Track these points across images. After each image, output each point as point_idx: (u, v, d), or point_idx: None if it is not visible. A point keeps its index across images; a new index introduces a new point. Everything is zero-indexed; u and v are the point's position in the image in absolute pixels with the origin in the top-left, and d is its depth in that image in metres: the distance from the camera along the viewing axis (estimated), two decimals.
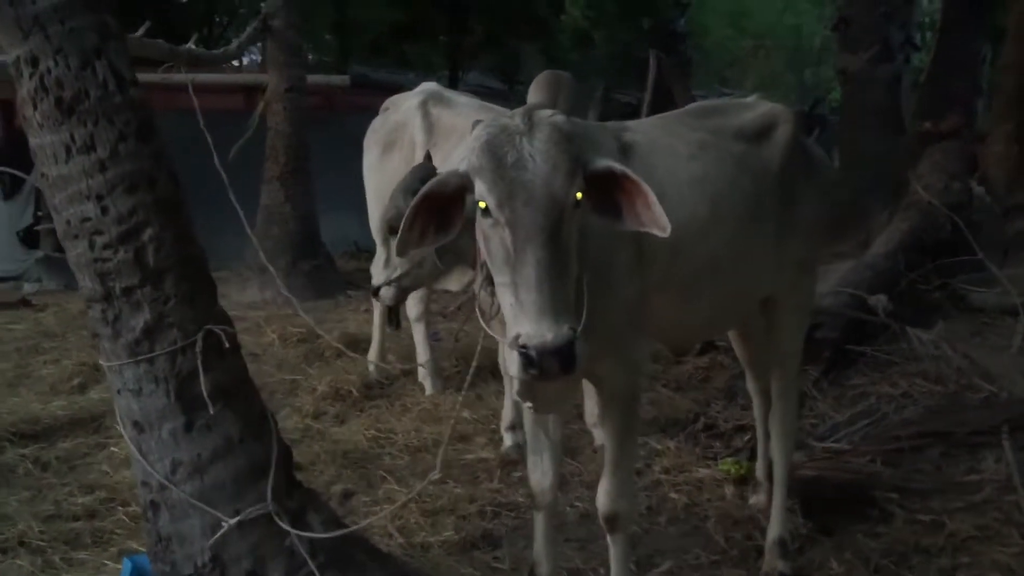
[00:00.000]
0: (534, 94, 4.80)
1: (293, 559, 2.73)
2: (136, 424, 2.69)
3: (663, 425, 4.88)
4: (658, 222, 2.19)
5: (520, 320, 2.04)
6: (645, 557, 3.54)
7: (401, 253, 2.23)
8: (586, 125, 2.80)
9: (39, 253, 9.91)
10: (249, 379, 2.87)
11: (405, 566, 3.10)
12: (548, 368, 2.01)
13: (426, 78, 13.13)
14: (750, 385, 3.84)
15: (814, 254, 3.32)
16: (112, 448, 4.68)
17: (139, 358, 2.62)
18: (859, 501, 3.82)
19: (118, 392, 2.70)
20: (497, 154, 2.11)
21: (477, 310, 2.46)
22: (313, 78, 10.36)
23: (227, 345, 2.69)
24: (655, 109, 9.50)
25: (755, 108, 3.17)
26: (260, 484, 2.72)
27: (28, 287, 9.70)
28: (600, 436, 4.65)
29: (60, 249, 9.86)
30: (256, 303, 8.47)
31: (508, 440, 4.67)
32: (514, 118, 2.19)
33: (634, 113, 11.77)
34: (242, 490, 2.71)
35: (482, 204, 2.13)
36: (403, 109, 5.33)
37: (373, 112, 5.76)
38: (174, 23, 12.86)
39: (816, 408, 4.96)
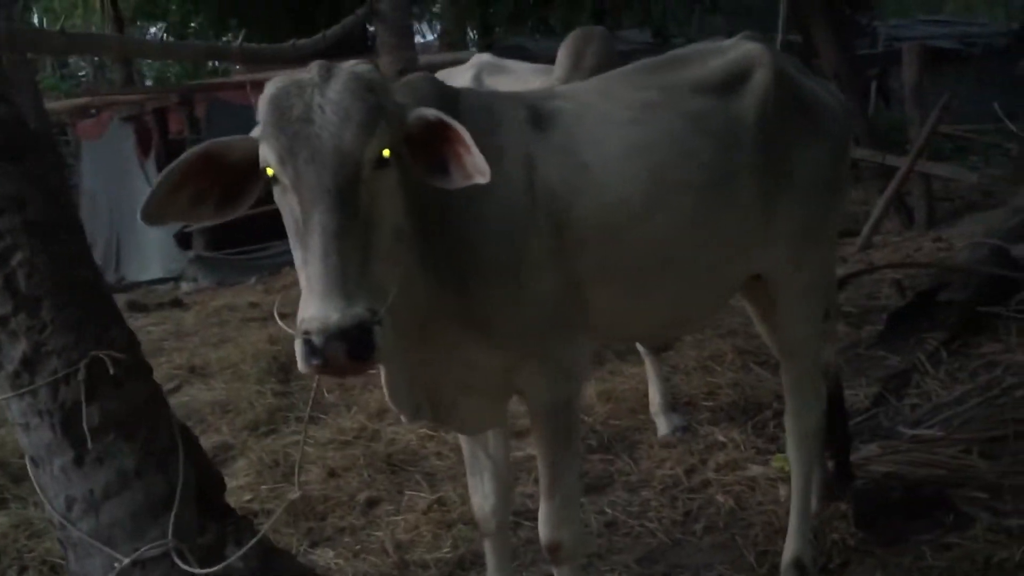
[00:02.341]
0: (560, 53, 4.39)
1: None
2: (32, 459, 2.55)
3: (737, 412, 4.33)
4: (478, 167, 1.83)
5: (306, 302, 1.69)
6: (661, 575, 3.10)
7: (148, 219, 1.86)
8: (487, 95, 2.39)
9: (191, 253, 10.35)
10: (158, 405, 2.66)
11: None
12: (333, 357, 1.63)
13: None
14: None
15: (825, 220, 2.70)
16: None
17: (21, 391, 2.47)
18: (934, 503, 3.19)
19: (15, 425, 2.56)
20: (281, 107, 1.78)
21: None
22: (440, 57, 10.19)
23: (111, 372, 2.48)
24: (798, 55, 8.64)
25: (726, 53, 2.60)
26: (163, 520, 2.52)
27: (185, 286, 10.16)
28: (664, 425, 4.20)
29: (212, 248, 10.41)
30: None
31: None
32: (311, 70, 1.85)
33: None
34: (141, 527, 2.51)
35: (269, 170, 1.80)
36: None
37: None
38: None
39: (924, 386, 4.25)
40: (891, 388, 4.25)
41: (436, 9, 20.31)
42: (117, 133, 11.85)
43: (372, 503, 3.91)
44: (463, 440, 2.62)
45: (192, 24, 16.09)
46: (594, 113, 2.40)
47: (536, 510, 3.62)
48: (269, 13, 13.92)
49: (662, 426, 4.21)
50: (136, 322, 8.59)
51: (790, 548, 2.82)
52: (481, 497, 2.61)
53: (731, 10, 16.02)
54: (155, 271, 11.13)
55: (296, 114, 1.76)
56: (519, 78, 4.60)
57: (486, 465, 2.60)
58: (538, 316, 2.25)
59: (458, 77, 4.90)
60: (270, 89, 1.83)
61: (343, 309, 1.65)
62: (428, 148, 1.91)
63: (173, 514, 2.51)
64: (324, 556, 3.49)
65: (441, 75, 5.26)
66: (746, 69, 2.55)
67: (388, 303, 1.78)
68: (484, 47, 13.74)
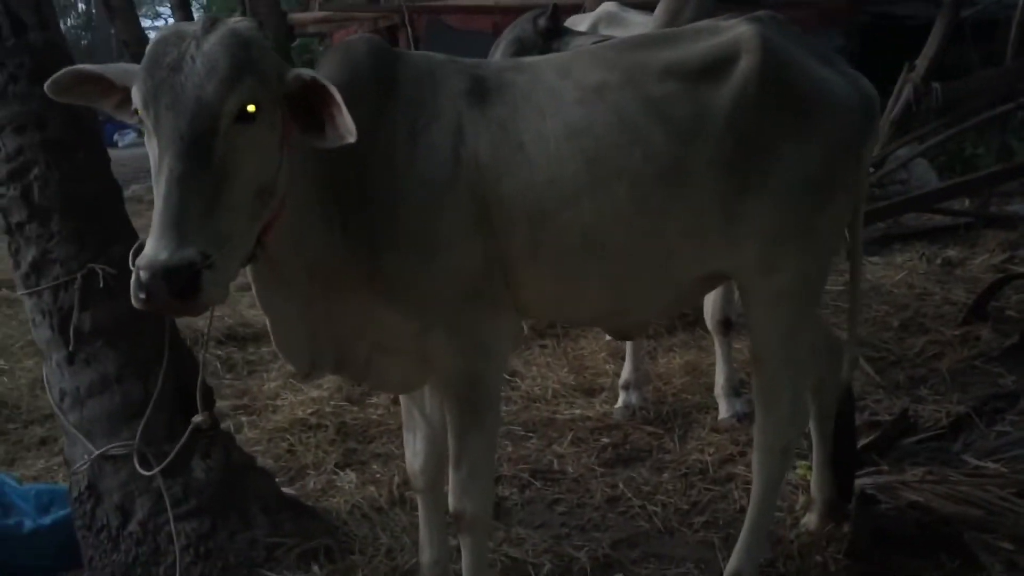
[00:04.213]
0: (658, 8, 4.20)
1: (161, 500, 2.77)
2: (41, 352, 2.88)
3: None
4: (347, 127, 1.86)
5: (148, 241, 1.78)
6: (628, 560, 3.03)
7: (54, 94, 1.99)
8: (437, 61, 2.35)
9: None
10: (149, 319, 2.88)
11: (309, 522, 2.96)
12: (156, 293, 1.70)
13: None
14: None
15: (809, 224, 2.44)
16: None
17: (29, 290, 2.78)
18: (946, 544, 2.89)
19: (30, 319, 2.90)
20: (158, 53, 1.86)
21: None
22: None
23: (102, 285, 2.74)
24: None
25: (715, 36, 2.40)
26: (135, 423, 2.78)
27: None
28: (725, 408, 4.04)
29: None
30: None
31: (620, 399, 4.23)
32: (197, 22, 1.92)
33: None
34: (115, 427, 2.79)
35: (139, 112, 1.88)
36: (574, 42, 4.87)
37: None
38: None
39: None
40: (985, 411, 3.82)
41: None
42: None
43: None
44: (402, 396, 2.68)
45: None
46: (545, 89, 2.32)
47: (557, 471, 3.69)
48: None
49: (722, 409, 4.05)
50: None
51: (732, 562, 2.67)
52: (411, 454, 2.66)
53: None
54: None
55: (168, 61, 1.83)
56: (628, 30, 4.45)
57: (419, 424, 2.64)
58: (449, 288, 2.25)
59: (580, 24, 4.81)
60: (155, 35, 1.92)
61: (172, 249, 1.71)
62: (312, 108, 1.93)
63: (144, 420, 2.77)
64: (345, 478, 3.68)
65: (569, 21, 5.19)
66: (731, 55, 2.34)
67: (230, 253, 1.83)
68: None
